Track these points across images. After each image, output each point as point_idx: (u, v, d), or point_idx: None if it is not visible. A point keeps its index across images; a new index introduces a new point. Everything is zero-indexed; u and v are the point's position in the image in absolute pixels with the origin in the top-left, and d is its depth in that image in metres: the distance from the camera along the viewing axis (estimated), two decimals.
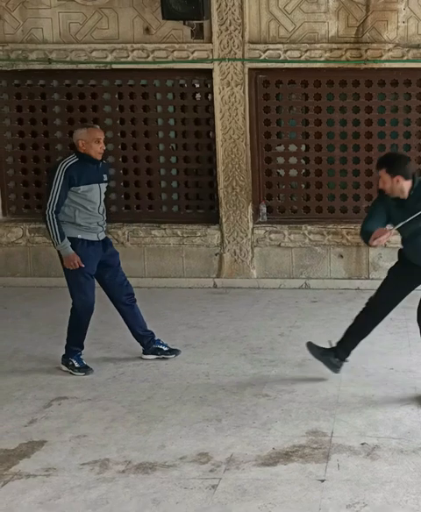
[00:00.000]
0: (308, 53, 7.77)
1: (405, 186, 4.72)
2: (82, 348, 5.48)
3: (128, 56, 7.87)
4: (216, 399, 4.79)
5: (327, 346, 5.11)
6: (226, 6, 7.73)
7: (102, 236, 5.46)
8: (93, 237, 5.37)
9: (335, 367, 5.07)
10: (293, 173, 8.25)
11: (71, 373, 5.37)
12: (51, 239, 5.32)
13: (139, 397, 4.86)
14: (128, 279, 5.60)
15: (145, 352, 5.64)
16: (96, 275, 5.43)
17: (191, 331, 6.34)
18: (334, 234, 7.97)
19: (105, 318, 6.62)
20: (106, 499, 3.54)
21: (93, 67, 7.94)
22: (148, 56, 7.86)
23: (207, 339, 6.11)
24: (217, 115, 7.93)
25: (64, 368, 5.42)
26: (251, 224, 8.05)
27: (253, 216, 8.10)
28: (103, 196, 5.49)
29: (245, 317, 6.80)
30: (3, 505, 3.48)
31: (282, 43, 7.77)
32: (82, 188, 5.26)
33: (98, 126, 5.62)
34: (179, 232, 8.09)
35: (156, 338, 5.65)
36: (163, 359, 5.58)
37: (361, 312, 5.07)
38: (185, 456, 3.97)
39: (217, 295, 7.70)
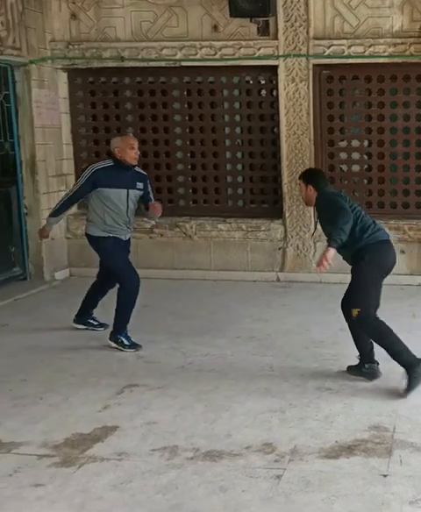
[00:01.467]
0: (372, 49, 7.81)
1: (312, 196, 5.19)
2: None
3: (197, 53, 8.04)
4: (280, 391, 4.88)
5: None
6: (292, 3, 7.82)
7: (127, 237, 5.96)
8: (120, 236, 5.85)
9: (371, 375, 5.09)
10: (355, 168, 8.32)
11: (121, 349, 5.74)
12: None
13: (207, 387, 4.97)
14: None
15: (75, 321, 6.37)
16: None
17: (255, 324, 6.47)
18: (396, 230, 7.99)
19: (176, 309, 6.88)
20: (175, 484, 3.62)
21: (163, 64, 8.14)
22: (216, 53, 8.01)
23: (271, 332, 6.23)
24: (282, 111, 8.05)
25: (113, 345, 5.80)
26: (313, 219, 8.14)
27: None
28: (132, 202, 5.84)
29: (307, 311, 6.91)
30: (80, 486, 3.61)
31: (346, 38, 7.84)
32: (107, 190, 5.71)
33: (132, 135, 6.02)
34: (244, 226, 8.24)
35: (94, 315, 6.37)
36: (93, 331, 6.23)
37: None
38: (250, 445, 4.04)
39: (280, 289, 7.83)
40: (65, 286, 8.30)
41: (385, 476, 3.69)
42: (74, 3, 8.22)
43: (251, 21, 7.89)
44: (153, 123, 8.49)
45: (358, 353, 5.21)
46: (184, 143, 8.47)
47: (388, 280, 7.90)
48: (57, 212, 5.98)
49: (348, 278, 7.88)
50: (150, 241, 8.42)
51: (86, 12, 8.24)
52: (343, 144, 8.30)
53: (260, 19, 7.85)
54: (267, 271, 8.20)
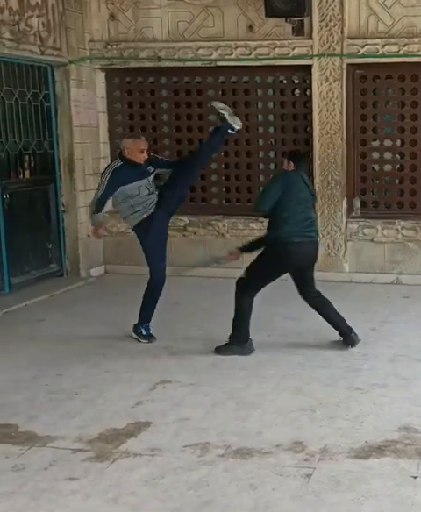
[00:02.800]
0: (406, 48, 7.80)
1: None
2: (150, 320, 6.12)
3: (232, 53, 8.10)
4: (310, 390, 4.91)
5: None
6: (327, 2, 7.85)
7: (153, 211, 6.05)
8: (151, 210, 6.00)
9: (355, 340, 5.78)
10: (387, 168, 8.32)
11: (138, 340, 5.99)
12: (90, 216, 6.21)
13: (238, 384, 5.02)
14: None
15: None
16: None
17: (286, 323, 6.52)
18: None
19: (207, 307, 6.94)
20: (207, 481, 3.65)
21: (199, 64, 8.22)
22: (251, 53, 8.07)
23: (301, 331, 6.27)
24: (315, 110, 8.07)
25: (133, 335, 6.07)
26: (345, 219, 8.18)
27: (347, 210, 8.22)
28: (150, 185, 6.04)
29: (337, 311, 6.92)
30: (113, 481, 3.67)
31: (381, 38, 7.84)
32: (130, 185, 5.91)
33: (143, 138, 6.17)
34: None
35: None
36: None
37: None
38: (281, 443, 4.06)
39: None
40: (100, 282, 8.42)
41: (415, 478, 3.69)
42: (112, 3, 8.33)
43: (286, 21, 7.92)
44: (188, 122, 8.56)
45: (337, 331, 5.80)
46: None
47: (418, 280, 7.94)
48: (93, 211, 6.07)
49: (378, 278, 8.01)
50: (183, 239, 8.51)
51: (124, 13, 8.34)
52: (375, 143, 8.31)
53: (295, 19, 7.88)
54: None
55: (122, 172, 5.88)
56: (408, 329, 6.34)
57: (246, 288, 5.66)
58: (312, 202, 5.88)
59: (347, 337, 5.81)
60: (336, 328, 5.83)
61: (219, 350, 5.70)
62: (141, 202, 5.94)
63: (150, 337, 6.06)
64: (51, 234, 8.30)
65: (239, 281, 5.70)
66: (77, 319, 6.77)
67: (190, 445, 4.09)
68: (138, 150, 5.93)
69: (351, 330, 5.82)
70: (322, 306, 5.84)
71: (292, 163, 5.72)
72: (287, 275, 5.74)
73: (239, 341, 5.67)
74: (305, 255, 5.71)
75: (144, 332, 6.06)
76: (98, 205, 5.97)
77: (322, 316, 5.84)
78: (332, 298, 7.26)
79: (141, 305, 6.08)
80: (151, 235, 5.98)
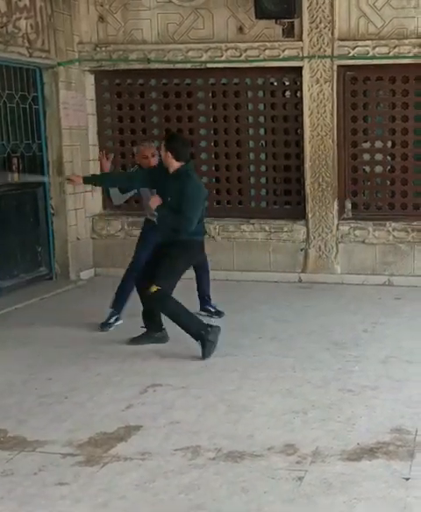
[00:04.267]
0: (396, 49, 7.80)
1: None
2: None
3: (222, 55, 8.08)
4: (302, 392, 4.89)
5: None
6: (317, 4, 7.84)
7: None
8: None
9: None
10: (378, 169, 8.33)
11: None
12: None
13: (229, 387, 5.00)
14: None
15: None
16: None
17: (278, 325, 6.50)
18: (418, 231, 8.01)
19: (195, 308, 6.88)
20: (198, 485, 3.63)
21: (189, 66, 8.20)
22: (241, 55, 8.05)
23: (293, 333, 6.26)
24: (306, 112, 8.06)
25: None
26: (336, 221, 8.17)
27: (339, 212, 8.21)
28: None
29: (329, 312, 6.94)
30: (103, 485, 3.64)
31: (371, 39, 7.84)
32: (142, 190, 6.28)
33: (152, 144, 6.37)
34: (267, 227, 8.27)
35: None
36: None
37: None
38: (272, 446, 4.05)
39: (302, 290, 7.87)
40: (90, 285, 8.38)
41: (407, 479, 3.67)
42: (101, 5, 8.30)
43: (276, 23, 7.92)
44: (178, 124, 8.54)
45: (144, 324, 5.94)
46: (208, 144, 8.52)
47: (409, 281, 7.96)
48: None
49: (369, 280, 8.01)
50: None
51: (113, 15, 8.31)
52: (366, 145, 8.31)
53: (286, 21, 7.87)
54: (289, 272, 8.23)
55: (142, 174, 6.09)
56: (399, 330, 6.33)
57: (164, 294, 5.59)
58: None
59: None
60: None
61: (204, 353, 5.65)
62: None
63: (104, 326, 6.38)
64: (40, 237, 8.25)
65: (157, 294, 5.56)
66: (67, 322, 6.72)
67: (181, 449, 4.07)
68: (142, 157, 6.22)
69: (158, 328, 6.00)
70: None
71: (170, 154, 5.64)
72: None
73: (203, 336, 5.64)
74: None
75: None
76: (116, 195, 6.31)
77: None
78: (324, 300, 7.38)
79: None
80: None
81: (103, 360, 5.63)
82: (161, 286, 5.52)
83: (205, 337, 5.59)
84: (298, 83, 8.16)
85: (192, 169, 5.80)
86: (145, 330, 5.97)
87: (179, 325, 5.66)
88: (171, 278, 5.60)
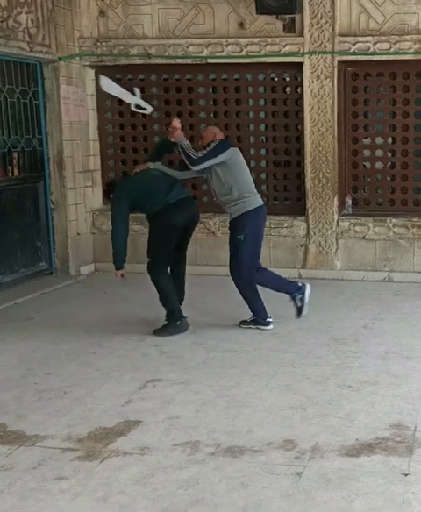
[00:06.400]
0: (397, 45, 7.79)
1: None
2: None
3: (223, 51, 8.07)
4: (301, 388, 4.89)
5: None
6: None
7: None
8: None
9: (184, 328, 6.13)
10: (379, 165, 8.32)
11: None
12: None
13: (228, 382, 5.00)
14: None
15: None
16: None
17: (277, 320, 6.44)
18: (419, 227, 8.00)
19: (198, 305, 6.92)
20: (197, 480, 3.64)
21: (189, 61, 8.19)
22: (242, 50, 8.04)
23: (292, 329, 6.26)
24: (306, 108, 8.06)
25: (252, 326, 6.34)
26: (336, 216, 8.17)
27: (339, 208, 8.21)
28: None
29: (329, 308, 6.95)
30: (102, 480, 3.65)
31: (372, 35, 7.83)
32: None
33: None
34: (267, 223, 8.19)
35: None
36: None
37: None
38: (271, 442, 4.05)
39: None
40: (90, 281, 8.39)
41: (406, 475, 3.68)
42: (102, 0, 8.29)
43: (277, 18, 7.91)
44: (179, 119, 8.49)
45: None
46: None
47: (409, 277, 7.97)
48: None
49: (369, 276, 8.01)
50: None
51: (114, 9, 8.30)
52: (367, 141, 8.31)
53: (287, 16, 7.86)
54: (288, 267, 8.22)
55: None
56: (399, 326, 6.33)
57: (154, 266, 6.04)
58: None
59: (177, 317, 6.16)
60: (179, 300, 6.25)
61: (157, 332, 6.05)
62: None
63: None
64: (40, 232, 8.25)
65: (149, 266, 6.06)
66: (67, 317, 6.74)
67: (180, 444, 4.08)
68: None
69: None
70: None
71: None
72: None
73: (173, 319, 6.04)
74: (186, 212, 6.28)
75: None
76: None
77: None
78: (324, 296, 7.37)
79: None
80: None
81: (103, 356, 5.63)
82: (150, 258, 6.04)
83: (173, 319, 6.04)
84: (299, 79, 8.16)
85: None
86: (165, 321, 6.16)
87: (160, 302, 6.05)
88: (156, 250, 6.03)
